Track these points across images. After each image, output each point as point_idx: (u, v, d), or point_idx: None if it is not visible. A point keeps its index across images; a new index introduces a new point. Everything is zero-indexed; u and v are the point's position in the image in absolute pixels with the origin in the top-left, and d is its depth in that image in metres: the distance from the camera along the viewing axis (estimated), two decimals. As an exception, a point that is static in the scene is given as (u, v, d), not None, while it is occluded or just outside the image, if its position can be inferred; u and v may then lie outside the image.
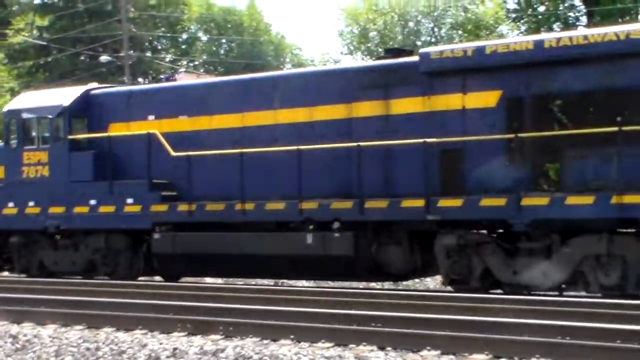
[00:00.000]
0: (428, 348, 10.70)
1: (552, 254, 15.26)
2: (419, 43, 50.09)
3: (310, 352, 10.87)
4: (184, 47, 65.56)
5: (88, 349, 11.95)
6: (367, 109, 17.19)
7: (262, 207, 17.84)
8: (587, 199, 14.71)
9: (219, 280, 20.89)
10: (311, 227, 17.30)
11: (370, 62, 20.34)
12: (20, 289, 17.53)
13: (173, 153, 18.93)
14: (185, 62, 64.19)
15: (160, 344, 11.77)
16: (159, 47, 64.89)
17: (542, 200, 15.14)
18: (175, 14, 62.70)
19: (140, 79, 57.93)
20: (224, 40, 63.71)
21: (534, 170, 15.55)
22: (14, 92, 49.81)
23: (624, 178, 14.46)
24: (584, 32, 15.73)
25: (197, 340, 11.96)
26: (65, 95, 21.12)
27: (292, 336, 11.65)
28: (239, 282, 20.07)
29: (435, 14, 52.74)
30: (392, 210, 16.48)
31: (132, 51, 53.46)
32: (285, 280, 20.23)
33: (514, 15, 43.61)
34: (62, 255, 20.65)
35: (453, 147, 16.19)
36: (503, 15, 46.70)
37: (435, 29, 53.00)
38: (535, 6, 41.37)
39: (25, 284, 18.49)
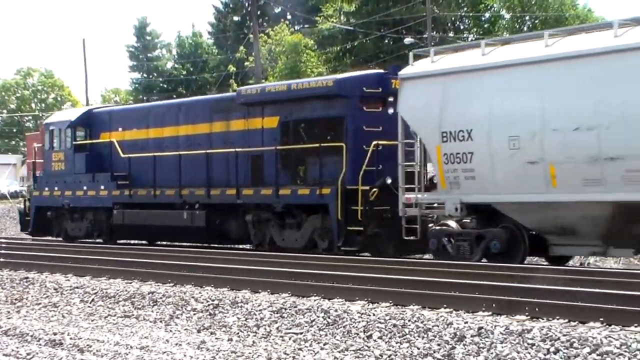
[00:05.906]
0: None
1: (301, 227, 22.73)
2: None
3: (622, 335, 10.38)
4: (486, 25, 62.82)
5: (395, 325, 12.12)
6: (217, 127, 25.24)
7: (164, 193, 26.29)
8: (306, 191, 22.17)
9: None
10: (187, 207, 25.55)
11: (221, 95, 28.33)
12: (328, 266, 18.21)
13: (122, 155, 27.70)
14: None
15: (465, 322, 11.73)
16: (462, 27, 64.39)
17: (288, 191, 22.70)
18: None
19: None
20: (527, 17, 59.31)
21: (293, 171, 23.06)
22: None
23: (325, 177, 21.76)
24: (313, 79, 23.02)
25: (503, 320, 11.90)
26: (74, 113, 30.52)
27: (601, 319, 11.34)
28: (541, 262, 20.42)
29: None
30: (222, 196, 24.50)
31: (434, 32, 54.80)
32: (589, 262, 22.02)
33: None
34: (76, 225, 29.99)
35: (256, 154, 23.96)
36: None
37: None
38: None
39: (332, 262, 19.21)
